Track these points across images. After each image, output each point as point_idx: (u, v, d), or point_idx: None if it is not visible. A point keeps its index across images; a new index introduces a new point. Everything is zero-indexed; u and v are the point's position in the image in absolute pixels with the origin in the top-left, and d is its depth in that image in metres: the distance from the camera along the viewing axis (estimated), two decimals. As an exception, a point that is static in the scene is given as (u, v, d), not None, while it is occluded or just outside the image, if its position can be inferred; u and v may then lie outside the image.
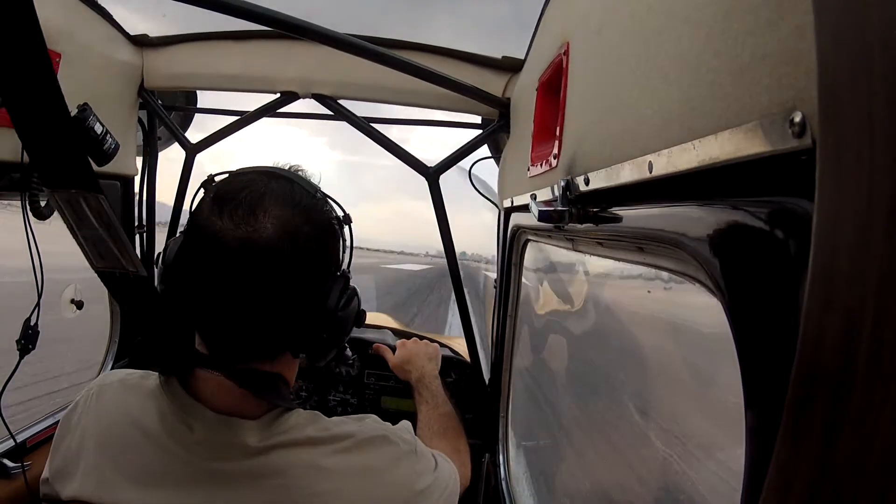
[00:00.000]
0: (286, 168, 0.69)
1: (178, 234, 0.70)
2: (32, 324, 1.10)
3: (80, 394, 0.74)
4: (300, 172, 0.70)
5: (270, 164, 0.70)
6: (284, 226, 0.60)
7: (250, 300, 0.61)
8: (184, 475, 0.64)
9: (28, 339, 1.10)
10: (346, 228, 0.72)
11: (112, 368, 1.56)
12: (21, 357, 1.09)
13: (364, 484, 0.67)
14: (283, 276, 0.61)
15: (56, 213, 1.06)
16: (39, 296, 1.08)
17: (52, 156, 0.54)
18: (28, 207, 1.04)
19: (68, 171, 0.55)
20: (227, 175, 0.67)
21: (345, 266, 0.72)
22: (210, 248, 0.59)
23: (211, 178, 0.69)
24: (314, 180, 0.70)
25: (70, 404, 0.74)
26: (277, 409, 0.68)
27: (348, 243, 0.72)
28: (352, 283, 0.72)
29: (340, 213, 0.71)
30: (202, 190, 0.67)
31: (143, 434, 0.66)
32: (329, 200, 0.70)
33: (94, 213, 0.57)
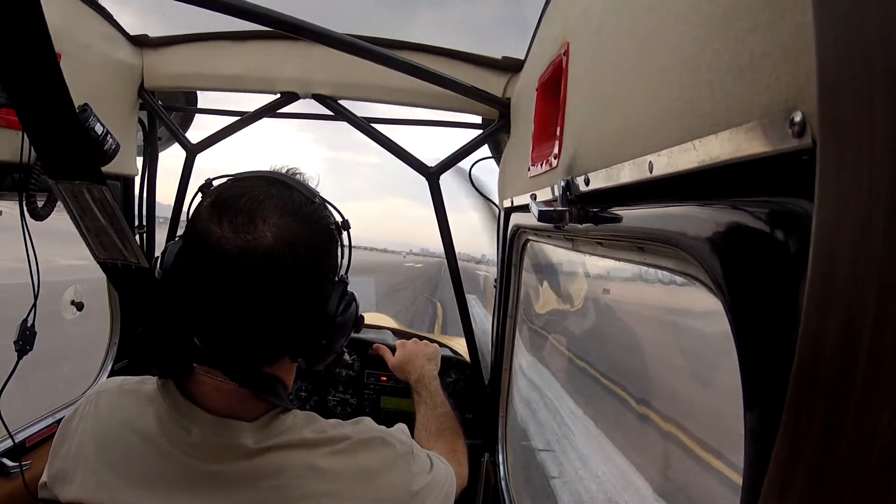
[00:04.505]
0: (284, 172, 0.69)
1: (176, 239, 0.69)
2: (29, 325, 1.10)
3: (80, 400, 0.74)
4: (298, 176, 0.69)
5: (268, 168, 0.69)
6: (284, 234, 0.60)
7: (250, 308, 0.61)
8: (182, 477, 0.64)
9: (25, 339, 1.10)
10: (345, 234, 0.72)
11: (112, 369, 1.56)
12: (19, 358, 1.09)
13: (360, 485, 0.68)
14: (283, 284, 0.61)
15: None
16: (36, 297, 1.08)
17: (58, 146, 0.54)
18: (25, 208, 1.04)
19: (73, 162, 0.55)
20: (225, 179, 0.67)
21: (343, 271, 0.72)
22: (209, 256, 0.59)
23: (209, 182, 0.68)
24: (312, 184, 0.70)
25: (70, 410, 0.74)
26: (274, 410, 0.68)
27: (347, 249, 0.72)
28: (349, 289, 0.72)
29: (339, 219, 0.71)
30: (199, 194, 0.67)
31: (142, 438, 0.66)
32: (328, 206, 0.70)
33: (98, 204, 0.57)
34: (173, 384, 0.68)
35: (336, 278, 0.71)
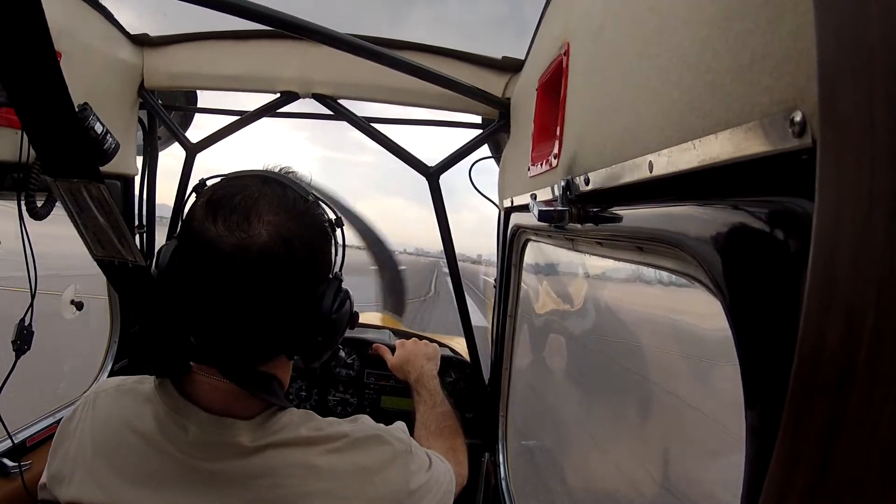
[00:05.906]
0: (277, 170, 0.69)
1: (171, 239, 0.70)
2: (27, 324, 1.10)
3: (78, 402, 0.74)
4: (291, 175, 0.70)
5: (261, 167, 0.70)
6: (278, 231, 0.60)
7: (245, 306, 0.61)
8: (179, 476, 0.64)
9: (23, 339, 1.10)
10: (339, 231, 0.72)
11: (112, 368, 1.56)
12: (17, 357, 1.09)
13: (357, 483, 0.68)
14: (278, 281, 0.61)
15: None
16: (33, 296, 1.08)
17: (57, 146, 0.54)
18: (24, 208, 1.04)
19: (72, 161, 0.55)
20: (219, 178, 0.67)
21: (337, 268, 0.73)
22: (205, 255, 0.60)
23: (203, 181, 0.69)
24: (304, 182, 0.70)
25: (69, 411, 0.74)
26: (270, 409, 0.68)
27: (340, 246, 0.73)
28: (344, 286, 0.72)
29: (332, 216, 0.72)
30: (194, 194, 0.67)
31: (139, 436, 0.66)
32: (321, 203, 0.70)
33: (95, 203, 0.57)
34: (170, 383, 0.68)
35: (330, 275, 0.71)
